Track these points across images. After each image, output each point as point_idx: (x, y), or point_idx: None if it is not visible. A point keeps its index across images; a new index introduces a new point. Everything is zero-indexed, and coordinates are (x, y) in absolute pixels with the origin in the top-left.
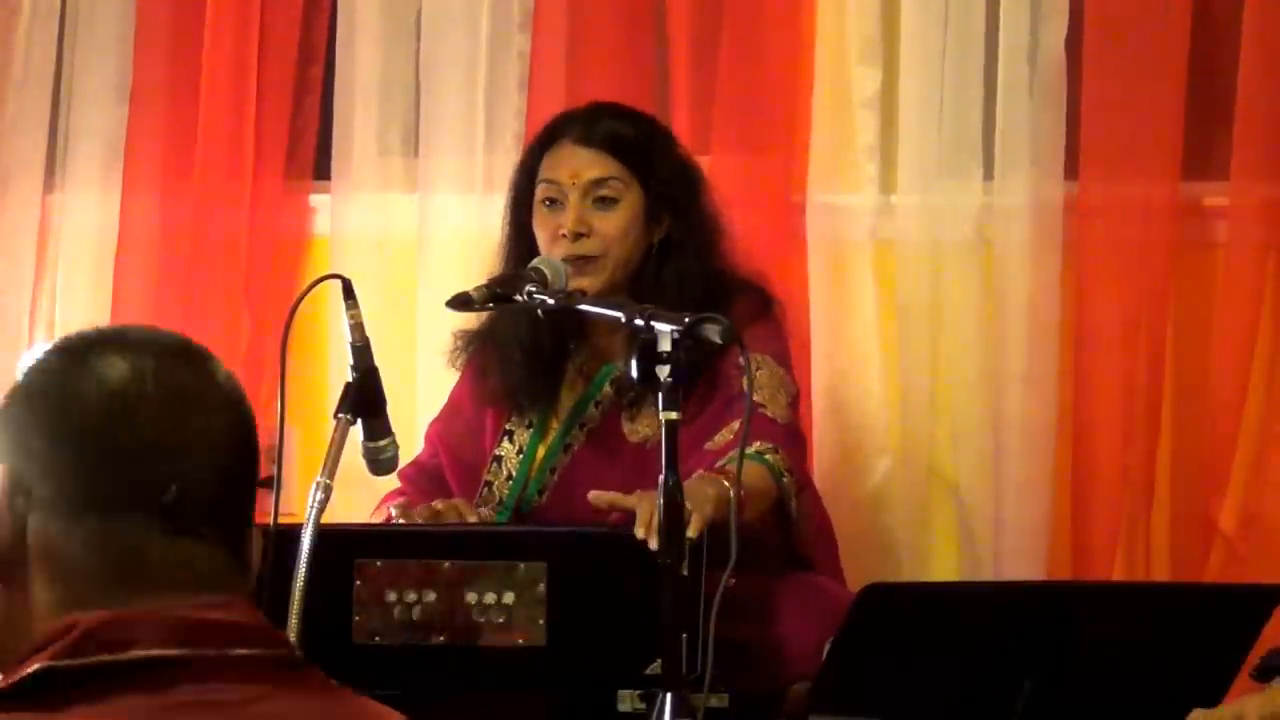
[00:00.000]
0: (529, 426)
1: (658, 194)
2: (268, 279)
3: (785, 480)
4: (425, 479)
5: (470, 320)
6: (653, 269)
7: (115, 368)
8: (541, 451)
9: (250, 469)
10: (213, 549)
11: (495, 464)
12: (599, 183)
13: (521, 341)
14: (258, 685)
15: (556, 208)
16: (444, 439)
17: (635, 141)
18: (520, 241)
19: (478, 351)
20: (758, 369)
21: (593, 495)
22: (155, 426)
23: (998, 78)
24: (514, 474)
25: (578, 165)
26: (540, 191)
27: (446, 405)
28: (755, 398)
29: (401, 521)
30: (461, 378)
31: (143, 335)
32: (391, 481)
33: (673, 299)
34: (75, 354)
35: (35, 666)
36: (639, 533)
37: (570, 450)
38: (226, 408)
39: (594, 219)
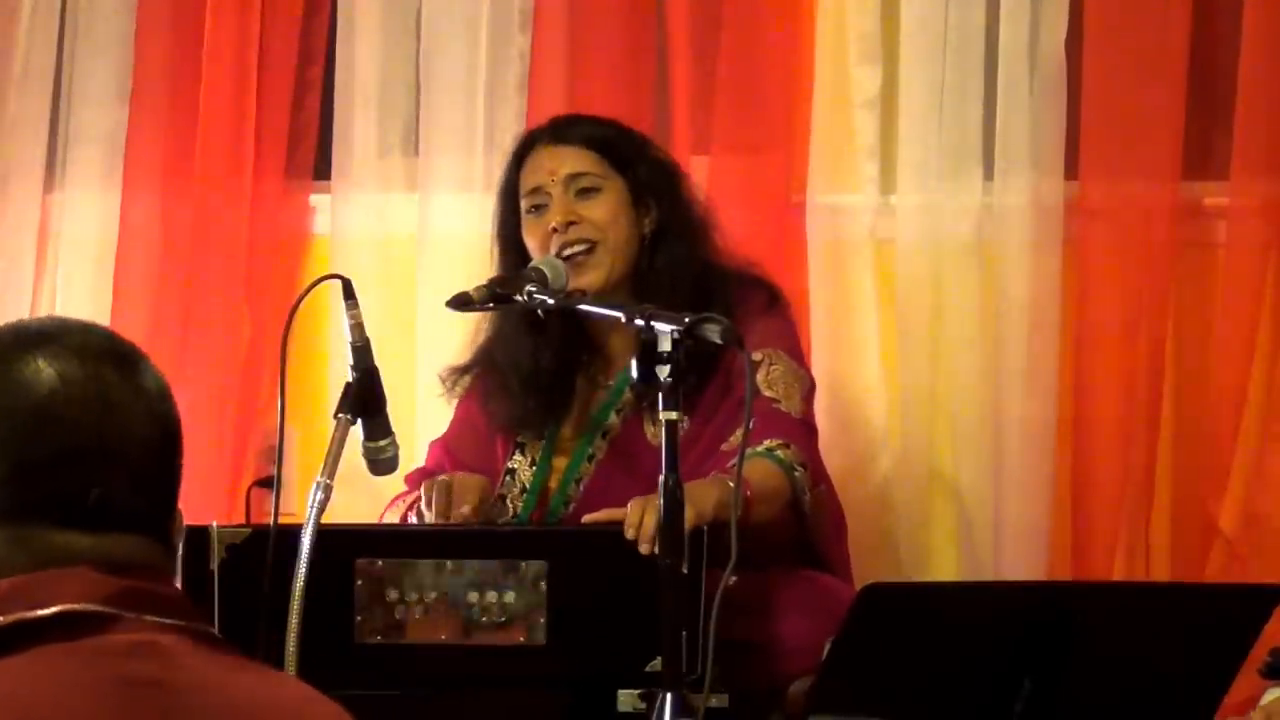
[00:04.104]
0: (541, 438)
1: (639, 183)
2: (268, 279)
3: (797, 474)
4: None
5: (461, 354)
6: (648, 261)
7: (43, 374)
8: (562, 463)
9: (173, 467)
10: (136, 538)
11: (509, 477)
12: (578, 175)
13: (520, 369)
14: (189, 644)
15: (543, 211)
16: (455, 453)
17: (609, 138)
18: (513, 259)
19: (480, 376)
20: (772, 364)
21: (586, 519)
22: (79, 435)
23: (998, 77)
24: (527, 486)
25: (555, 163)
26: (525, 203)
27: (456, 419)
28: (769, 393)
29: (423, 498)
30: (469, 395)
31: (73, 338)
32: (395, 484)
33: (669, 289)
34: (3, 357)
35: None
36: (628, 533)
37: (594, 459)
38: (149, 411)
39: (580, 208)
